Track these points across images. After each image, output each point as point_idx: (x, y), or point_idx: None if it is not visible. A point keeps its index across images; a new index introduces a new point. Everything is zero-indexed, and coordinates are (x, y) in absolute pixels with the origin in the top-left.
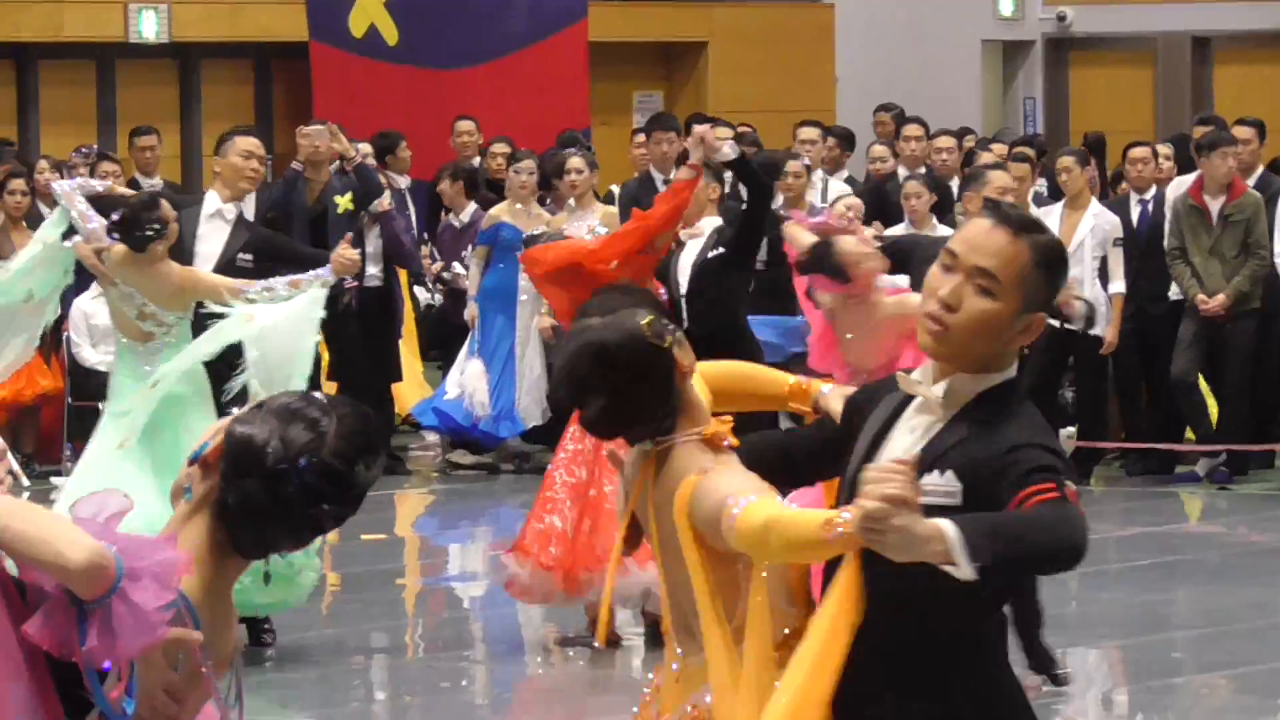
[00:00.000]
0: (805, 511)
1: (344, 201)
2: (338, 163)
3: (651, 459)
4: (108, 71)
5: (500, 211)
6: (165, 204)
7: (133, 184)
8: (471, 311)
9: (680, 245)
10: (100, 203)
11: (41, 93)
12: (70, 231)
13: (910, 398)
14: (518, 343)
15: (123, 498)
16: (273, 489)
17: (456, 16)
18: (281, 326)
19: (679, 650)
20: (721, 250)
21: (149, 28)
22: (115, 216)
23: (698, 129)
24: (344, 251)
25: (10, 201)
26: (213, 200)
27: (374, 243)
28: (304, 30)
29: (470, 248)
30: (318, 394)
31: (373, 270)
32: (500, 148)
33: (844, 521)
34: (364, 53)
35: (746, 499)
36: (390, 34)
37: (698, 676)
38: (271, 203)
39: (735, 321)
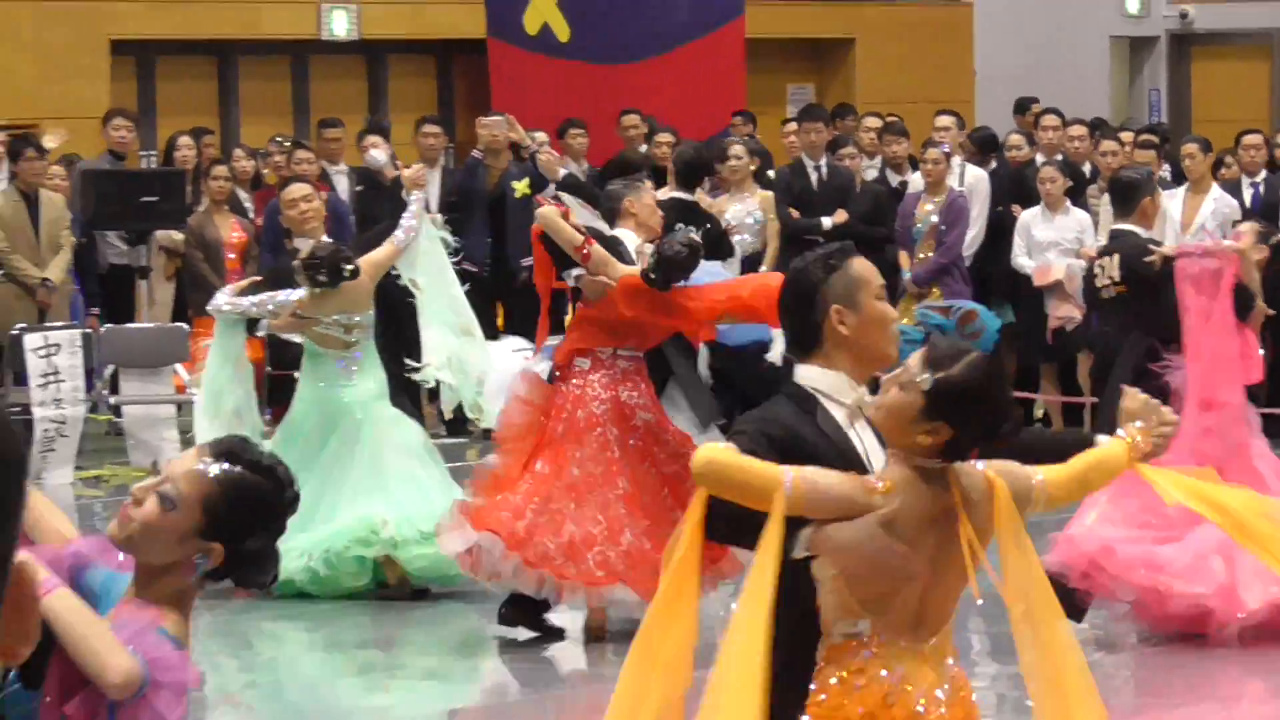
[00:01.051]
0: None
1: (521, 186)
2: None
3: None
4: (301, 67)
5: (663, 194)
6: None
7: (322, 174)
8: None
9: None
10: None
11: (240, 86)
12: (253, 323)
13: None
14: None
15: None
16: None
17: (623, 15)
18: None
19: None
20: None
21: (340, 26)
22: (313, 260)
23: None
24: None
25: (214, 186)
26: None
27: None
28: (482, 28)
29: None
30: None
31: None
32: (665, 137)
33: None
34: (538, 49)
35: (1034, 469)
36: (562, 31)
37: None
38: (454, 187)
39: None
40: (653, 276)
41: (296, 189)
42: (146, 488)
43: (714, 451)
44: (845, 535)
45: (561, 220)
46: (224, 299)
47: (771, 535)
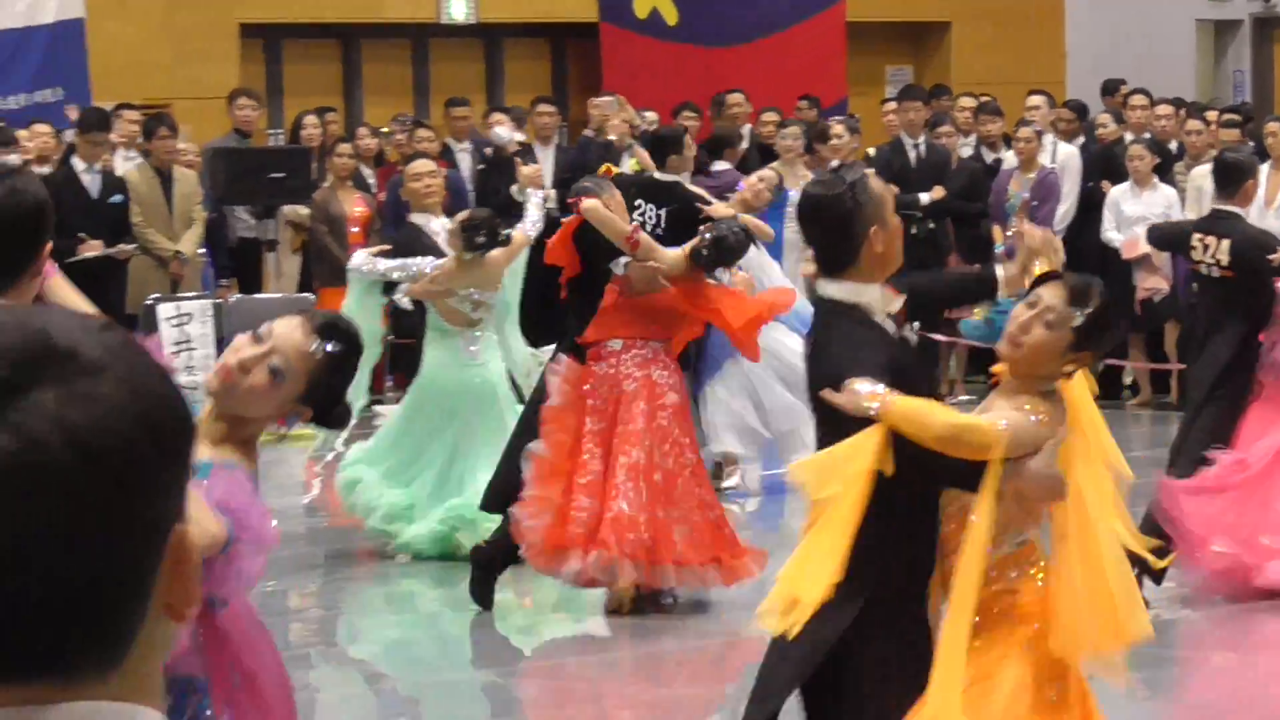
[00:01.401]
0: None
1: (633, 163)
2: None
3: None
4: (421, 49)
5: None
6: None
7: (445, 150)
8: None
9: None
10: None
11: (364, 68)
12: (389, 287)
13: None
14: (787, 283)
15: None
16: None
17: (730, 0)
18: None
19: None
20: None
21: (459, 10)
22: (471, 223)
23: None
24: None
25: (338, 163)
26: None
27: None
28: (595, 13)
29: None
30: None
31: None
32: (770, 116)
33: None
34: (647, 32)
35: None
36: (670, 15)
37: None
38: (567, 164)
39: None
40: (705, 253)
41: (422, 164)
42: (255, 358)
43: (913, 405)
44: (1036, 464)
45: (608, 211)
46: (363, 259)
47: (991, 480)
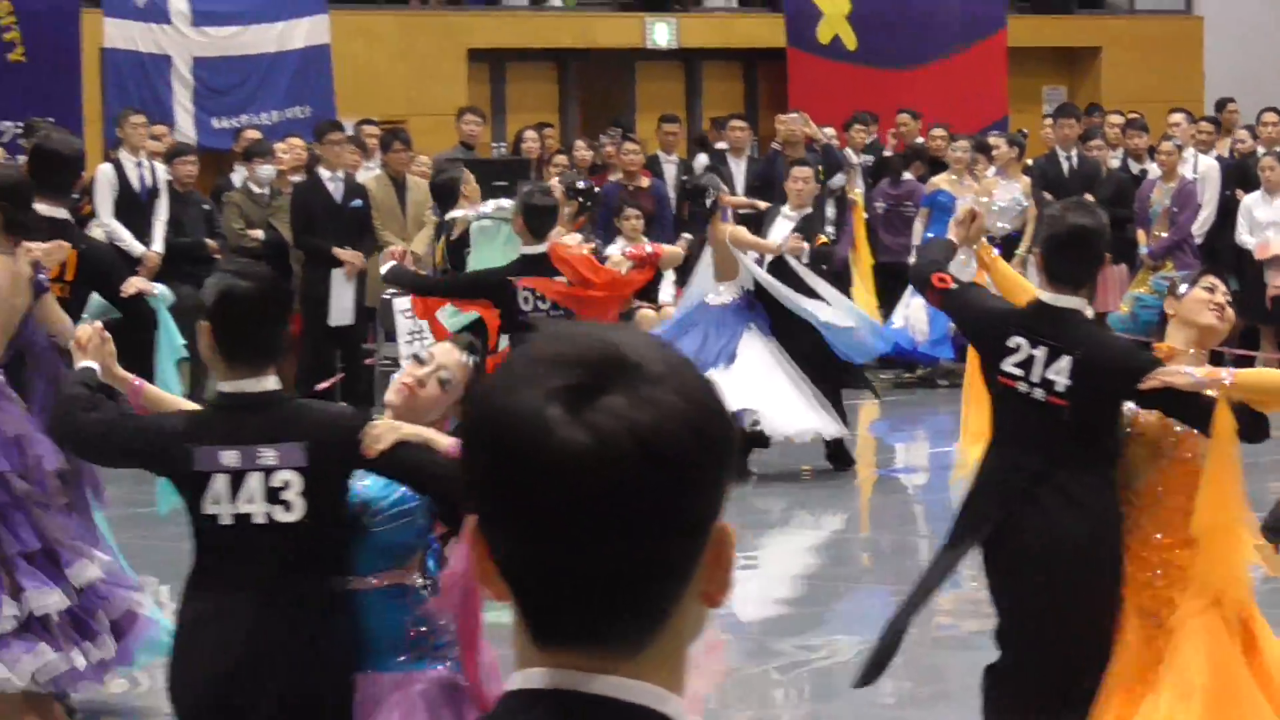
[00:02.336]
0: None
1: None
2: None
3: None
4: (628, 71)
5: (940, 180)
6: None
7: (652, 161)
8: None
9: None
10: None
11: (576, 88)
12: None
13: None
14: None
15: None
16: None
17: (904, 27)
18: None
19: None
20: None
21: (662, 36)
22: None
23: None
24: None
25: (555, 173)
26: None
27: (833, 207)
28: (783, 39)
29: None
30: None
31: (828, 229)
32: (939, 131)
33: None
34: (829, 56)
35: None
36: (850, 41)
37: None
38: (756, 174)
39: None
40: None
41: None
42: (428, 374)
43: (1252, 373)
44: None
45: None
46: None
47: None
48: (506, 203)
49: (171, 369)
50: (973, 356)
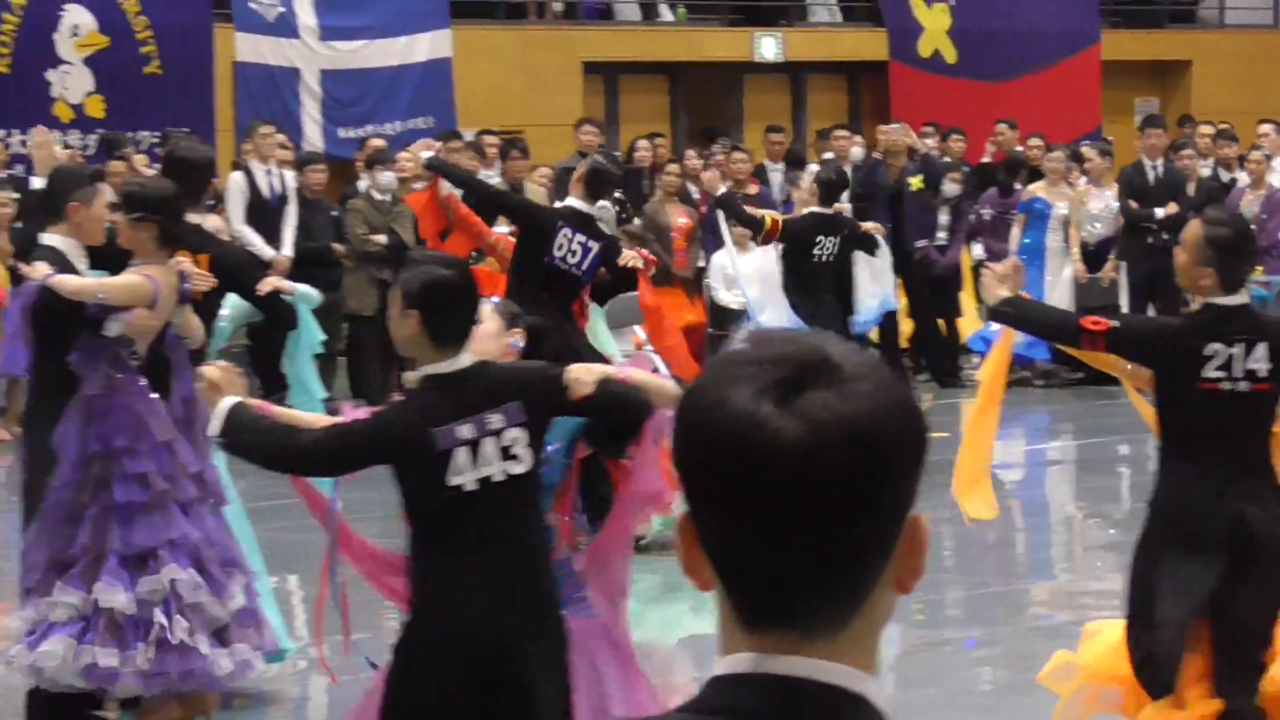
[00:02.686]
0: None
1: (916, 182)
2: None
3: None
4: (737, 84)
5: (1037, 188)
6: None
7: (759, 169)
8: (1015, 263)
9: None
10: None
11: (685, 99)
12: None
13: None
14: (1047, 286)
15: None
16: None
17: (1002, 41)
18: None
19: None
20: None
21: (769, 50)
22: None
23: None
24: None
25: (667, 180)
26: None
27: (946, 214)
28: (885, 52)
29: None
30: None
31: (941, 235)
32: (1036, 141)
33: None
34: (930, 69)
35: None
36: (950, 55)
37: None
38: (859, 183)
39: None
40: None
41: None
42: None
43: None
44: None
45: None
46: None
47: None
48: (606, 204)
49: (308, 364)
50: (978, 406)
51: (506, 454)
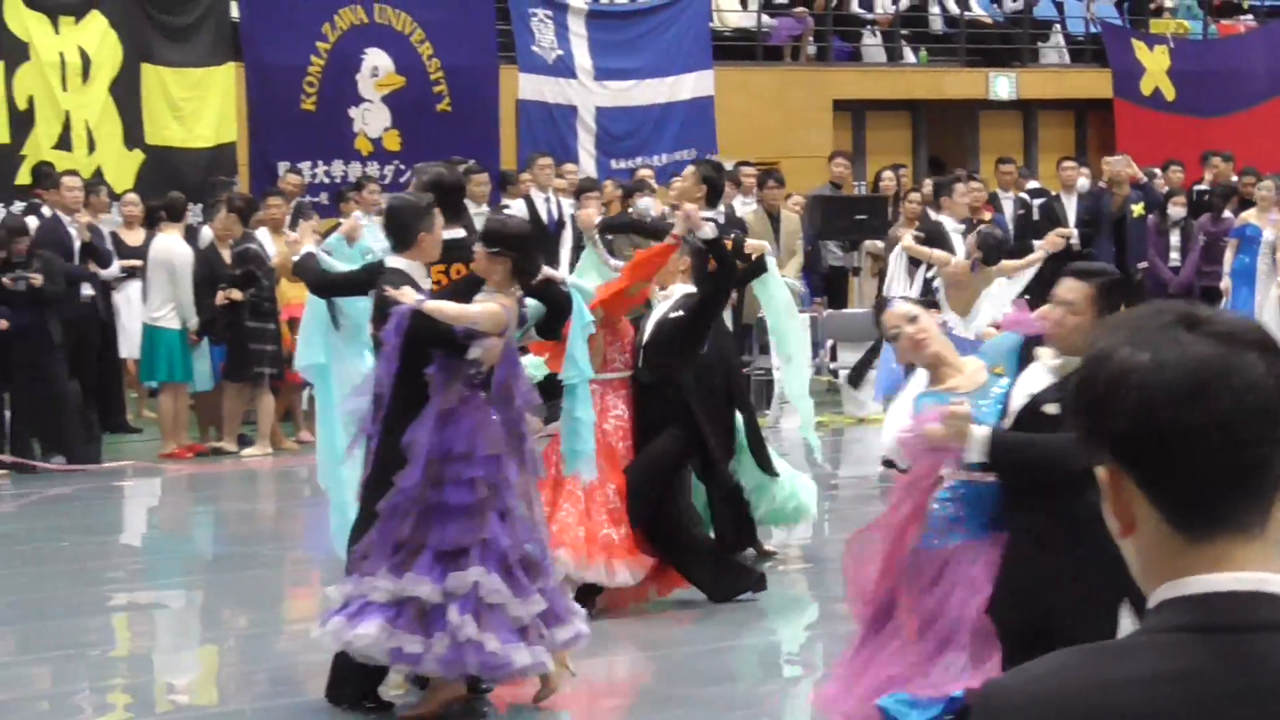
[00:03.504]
0: None
1: (1138, 209)
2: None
3: None
4: (973, 119)
5: (1249, 215)
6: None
7: (993, 197)
8: (1225, 284)
9: (648, 306)
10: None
11: (926, 134)
12: None
13: None
14: (1256, 306)
15: None
16: None
17: (1217, 80)
18: None
19: None
20: (681, 313)
21: (1003, 89)
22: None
23: (685, 207)
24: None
25: (909, 208)
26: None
27: (1177, 235)
28: (1110, 90)
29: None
30: None
31: (1174, 255)
32: (1249, 177)
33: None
34: (1150, 106)
35: None
36: (1169, 92)
37: None
38: (1085, 210)
39: (676, 375)
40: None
41: None
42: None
43: None
44: None
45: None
46: None
47: None
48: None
49: (581, 344)
50: None
51: None
